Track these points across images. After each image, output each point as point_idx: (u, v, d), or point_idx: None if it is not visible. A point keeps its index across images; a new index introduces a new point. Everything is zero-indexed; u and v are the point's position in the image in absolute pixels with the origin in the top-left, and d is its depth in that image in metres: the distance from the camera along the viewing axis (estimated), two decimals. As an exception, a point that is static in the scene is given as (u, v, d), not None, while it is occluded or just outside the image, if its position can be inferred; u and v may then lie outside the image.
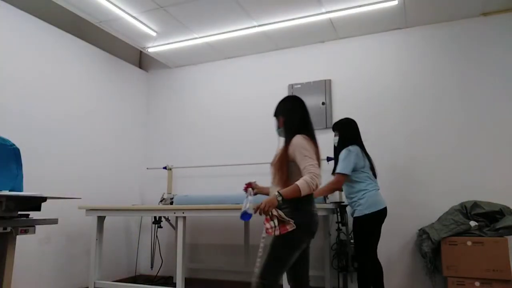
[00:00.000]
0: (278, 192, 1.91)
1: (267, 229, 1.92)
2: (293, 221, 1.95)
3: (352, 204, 3.08)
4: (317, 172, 1.95)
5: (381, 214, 2.97)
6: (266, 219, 1.92)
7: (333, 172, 3.18)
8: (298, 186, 1.90)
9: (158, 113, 5.01)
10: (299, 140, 2.08)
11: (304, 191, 1.91)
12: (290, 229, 1.93)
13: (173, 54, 4.61)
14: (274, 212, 1.92)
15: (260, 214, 1.91)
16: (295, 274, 2.17)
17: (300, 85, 4.27)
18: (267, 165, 4.21)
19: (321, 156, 2.22)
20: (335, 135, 3.27)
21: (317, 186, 1.95)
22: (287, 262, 2.01)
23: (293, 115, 2.25)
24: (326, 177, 4.14)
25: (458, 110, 3.68)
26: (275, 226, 1.91)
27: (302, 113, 2.25)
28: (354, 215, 3.04)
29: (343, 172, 3.01)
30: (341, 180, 3.05)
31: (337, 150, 3.21)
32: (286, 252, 1.99)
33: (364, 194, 2.97)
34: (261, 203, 1.91)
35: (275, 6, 3.54)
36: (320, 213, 3.34)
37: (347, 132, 3.20)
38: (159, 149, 4.91)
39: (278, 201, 1.90)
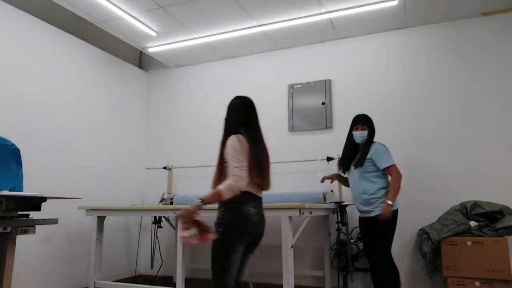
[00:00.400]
0: (200, 198, 1.80)
1: (184, 237, 1.78)
2: (216, 230, 1.89)
3: (372, 201, 2.97)
4: (241, 174, 1.86)
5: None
6: (183, 228, 1.78)
7: (357, 166, 3.02)
8: (218, 190, 1.81)
9: (158, 113, 5.01)
10: (230, 141, 2.05)
11: (226, 195, 1.80)
12: (211, 239, 1.83)
13: (173, 54, 4.61)
14: (197, 218, 1.80)
15: (181, 222, 1.80)
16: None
17: (300, 85, 4.27)
18: (267, 165, 4.24)
19: (269, 157, 2.21)
20: (358, 129, 3.11)
21: (240, 189, 1.86)
22: (228, 268, 1.92)
23: (232, 115, 2.23)
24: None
25: (458, 110, 3.68)
26: (194, 235, 1.78)
27: (243, 113, 2.20)
28: (375, 213, 2.94)
29: (394, 163, 2.99)
30: (399, 172, 2.98)
31: (366, 144, 3.07)
32: (222, 258, 1.91)
33: (387, 190, 2.96)
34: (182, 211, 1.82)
35: (275, 6, 3.54)
36: (320, 213, 3.35)
37: (373, 128, 3.15)
38: (159, 149, 4.91)
39: (199, 207, 1.78)
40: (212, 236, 1.83)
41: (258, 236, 2.11)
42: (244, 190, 1.91)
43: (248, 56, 4.62)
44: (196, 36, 4.13)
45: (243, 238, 1.99)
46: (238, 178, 1.85)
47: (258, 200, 2.11)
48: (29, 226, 2.22)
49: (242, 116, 2.19)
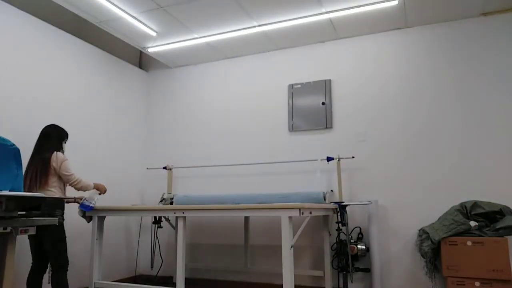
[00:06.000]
0: None
1: None
2: None
3: None
4: None
5: None
6: None
7: None
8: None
9: (158, 113, 5.02)
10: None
11: None
12: None
13: (173, 54, 4.61)
14: None
15: None
16: None
17: (300, 85, 4.27)
18: (267, 165, 4.25)
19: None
20: None
21: None
22: None
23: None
24: (326, 176, 4.16)
25: (458, 110, 3.68)
26: None
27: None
28: None
29: None
30: None
31: None
32: None
33: None
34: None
35: (275, 6, 3.54)
36: (320, 213, 3.35)
37: None
38: (159, 149, 4.91)
39: None
40: None
41: None
42: None
43: (248, 56, 4.62)
44: (196, 36, 4.13)
45: None
46: None
47: None
48: (29, 226, 2.22)
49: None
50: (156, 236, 4.48)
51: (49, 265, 2.91)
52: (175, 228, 4.36)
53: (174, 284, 3.34)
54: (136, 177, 4.78)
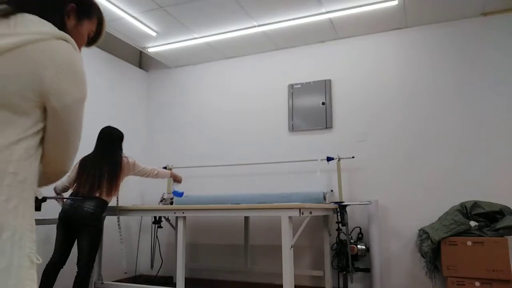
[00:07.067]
0: None
1: None
2: None
3: None
4: None
5: None
6: None
7: None
8: None
9: (158, 113, 5.02)
10: None
11: None
12: None
13: (173, 54, 4.61)
14: None
15: None
16: None
17: (300, 85, 4.27)
18: (267, 165, 4.25)
19: None
20: None
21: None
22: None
23: None
24: (326, 176, 4.16)
25: (458, 110, 3.68)
26: None
27: None
28: None
29: None
30: None
31: None
32: None
33: None
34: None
35: (275, 6, 3.54)
36: (320, 213, 3.35)
37: None
38: (159, 149, 4.91)
39: None
40: None
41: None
42: None
43: (248, 56, 4.62)
44: (196, 36, 4.13)
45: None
46: None
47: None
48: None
49: None
50: (156, 236, 4.47)
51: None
52: (175, 228, 4.36)
53: (174, 284, 3.34)
54: (136, 177, 4.76)
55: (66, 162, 1.02)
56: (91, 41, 1.17)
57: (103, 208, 2.98)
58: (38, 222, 2.28)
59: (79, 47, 1.00)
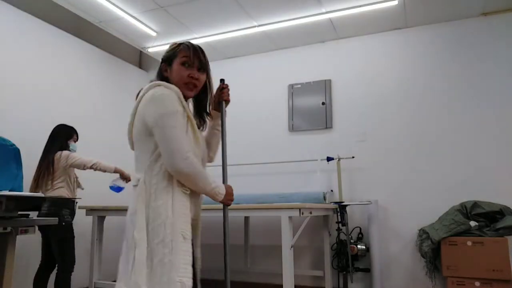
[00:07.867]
0: None
1: None
2: None
3: None
4: None
5: None
6: None
7: None
8: None
9: (158, 113, 5.01)
10: None
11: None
12: None
13: (173, 54, 4.60)
14: None
15: None
16: None
17: (300, 85, 4.27)
18: (267, 165, 4.24)
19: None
20: None
21: None
22: None
23: None
24: (326, 176, 4.16)
25: (458, 109, 3.67)
26: None
27: None
28: None
29: None
30: None
31: None
32: None
33: None
34: None
35: (275, 6, 3.54)
36: (320, 213, 3.35)
37: None
38: (159, 149, 4.90)
39: None
40: None
41: None
42: None
43: (248, 56, 4.62)
44: (196, 36, 4.13)
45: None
46: None
47: None
48: (29, 226, 2.22)
49: None
50: (156, 236, 4.47)
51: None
52: (175, 228, 4.35)
53: (174, 284, 3.33)
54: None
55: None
56: None
57: (58, 205, 2.86)
58: (38, 222, 2.28)
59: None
